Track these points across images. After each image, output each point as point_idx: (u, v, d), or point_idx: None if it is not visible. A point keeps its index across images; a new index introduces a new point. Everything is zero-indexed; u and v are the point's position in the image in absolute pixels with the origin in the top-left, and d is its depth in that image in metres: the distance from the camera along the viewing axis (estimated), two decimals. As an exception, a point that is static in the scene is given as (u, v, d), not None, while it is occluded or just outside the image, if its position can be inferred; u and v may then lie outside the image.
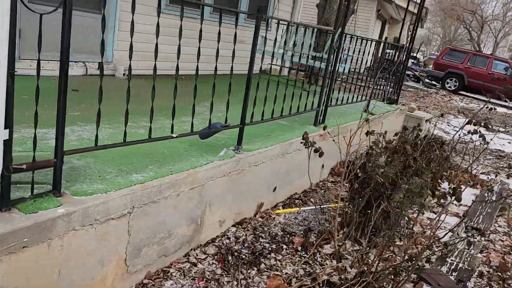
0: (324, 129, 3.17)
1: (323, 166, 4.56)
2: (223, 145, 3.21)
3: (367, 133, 2.73)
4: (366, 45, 4.83)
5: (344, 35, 4.42)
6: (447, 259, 2.93)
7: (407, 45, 6.92)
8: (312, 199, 4.05)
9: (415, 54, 26.88)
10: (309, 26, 4.87)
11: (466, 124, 2.73)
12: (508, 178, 4.98)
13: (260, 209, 3.52)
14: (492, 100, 14.27)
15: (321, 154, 2.47)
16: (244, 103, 3.04)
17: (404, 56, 6.92)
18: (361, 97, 5.94)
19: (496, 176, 5.13)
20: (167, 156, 2.73)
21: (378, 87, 6.39)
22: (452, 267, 2.87)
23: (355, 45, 4.68)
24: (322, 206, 3.80)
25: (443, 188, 4.89)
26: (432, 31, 50.89)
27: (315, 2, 11.79)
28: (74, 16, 1.77)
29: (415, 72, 19.32)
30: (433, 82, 18.20)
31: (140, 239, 2.30)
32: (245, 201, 3.30)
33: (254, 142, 3.43)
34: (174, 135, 2.46)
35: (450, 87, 17.40)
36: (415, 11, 23.21)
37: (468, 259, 3.00)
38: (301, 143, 2.53)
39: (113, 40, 5.04)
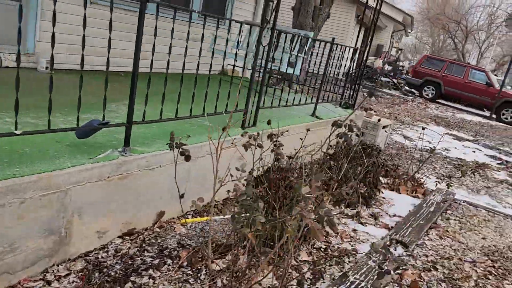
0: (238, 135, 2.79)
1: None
2: (113, 145, 2.88)
3: (259, 145, 2.41)
4: (302, 44, 4.54)
5: (277, 31, 4.13)
6: (350, 277, 2.62)
7: (364, 48, 6.67)
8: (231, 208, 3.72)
9: (399, 62, 26.87)
10: (242, 22, 4.56)
11: (335, 128, 2.43)
12: (448, 187, 4.72)
13: (161, 218, 3.18)
14: (468, 109, 14.15)
15: (187, 158, 2.14)
16: (130, 98, 2.71)
17: (361, 60, 6.66)
18: (311, 100, 5.67)
19: (436, 185, 4.85)
20: (26, 156, 2.38)
21: (329, 90, 6.12)
22: (353, 286, 2.56)
23: (284, 42, 4.39)
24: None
25: (383, 197, 4.63)
26: (421, 40, 51.20)
27: (290, 5, 11.56)
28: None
29: (393, 80, 19.22)
30: (413, 90, 18.10)
31: (-40, 254, 1.94)
32: (137, 209, 2.95)
33: (155, 143, 3.11)
34: (17, 132, 2.11)
35: (427, 95, 17.28)
36: (397, 18, 23.00)
37: (375, 277, 2.69)
38: (167, 144, 2.20)
39: (35, 30, 4.68)
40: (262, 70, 4.12)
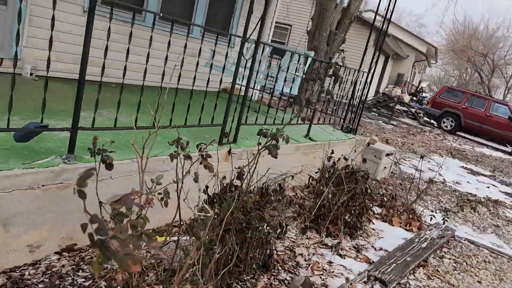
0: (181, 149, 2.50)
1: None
2: (61, 152, 2.67)
3: (188, 156, 2.14)
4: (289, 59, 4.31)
5: (262, 44, 3.93)
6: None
7: (369, 71, 6.38)
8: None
9: (422, 93, 26.26)
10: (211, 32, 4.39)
11: (267, 140, 2.14)
12: (444, 222, 4.28)
13: (111, 235, 2.91)
14: (490, 143, 13.48)
15: (108, 166, 1.90)
16: (76, 101, 2.52)
17: (363, 84, 6.37)
18: (304, 120, 5.38)
19: (431, 219, 4.40)
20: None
21: (327, 113, 5.84)
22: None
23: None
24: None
25: (372, 228, 4.23)
26: (447, 72, 50.31)
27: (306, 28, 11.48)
28: None
29: (412, 109, 18.73)
30: (432, 121, 17.52)
31: None
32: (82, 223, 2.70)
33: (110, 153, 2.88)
34: None
35: (446, 126, 16.66)
36: (420, 48, 22.68)
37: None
38: (94, 153, 1.96)
39: (22, 35, 4.62)
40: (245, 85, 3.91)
